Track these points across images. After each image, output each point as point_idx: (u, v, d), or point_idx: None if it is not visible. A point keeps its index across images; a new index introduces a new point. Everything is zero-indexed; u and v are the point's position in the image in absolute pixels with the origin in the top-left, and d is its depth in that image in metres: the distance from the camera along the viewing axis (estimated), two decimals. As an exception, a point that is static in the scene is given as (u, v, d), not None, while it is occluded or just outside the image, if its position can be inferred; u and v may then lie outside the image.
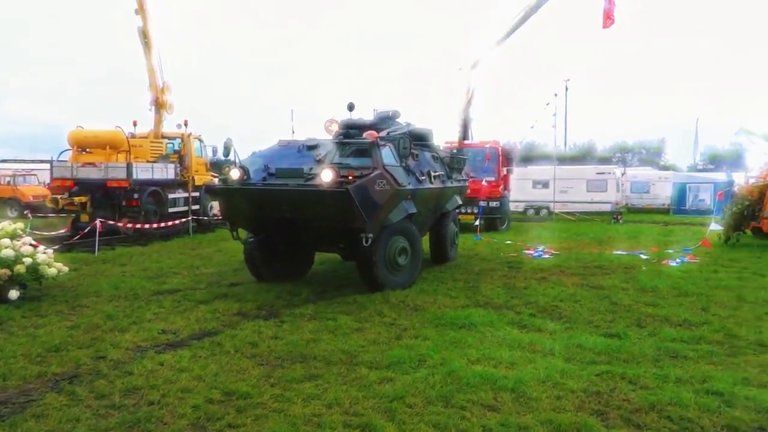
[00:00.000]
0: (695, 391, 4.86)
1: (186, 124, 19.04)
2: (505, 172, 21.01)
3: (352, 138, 9.78)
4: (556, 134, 25.42)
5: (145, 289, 9.11)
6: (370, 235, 8.33)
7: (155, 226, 16.33)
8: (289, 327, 6.89)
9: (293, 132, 24.07)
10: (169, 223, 16.79)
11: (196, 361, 5.62)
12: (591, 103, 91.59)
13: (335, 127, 10.83)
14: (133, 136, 18.37)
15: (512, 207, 29.59)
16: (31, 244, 8.66)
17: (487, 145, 20.50)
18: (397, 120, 11.72)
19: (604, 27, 19.86)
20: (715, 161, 60.76)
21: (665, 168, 69.86)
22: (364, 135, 9.97)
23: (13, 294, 7.96)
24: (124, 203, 16.25)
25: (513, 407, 4.54)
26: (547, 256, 13.35)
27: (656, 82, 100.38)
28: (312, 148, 9.28)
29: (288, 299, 8.49)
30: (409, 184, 9.42)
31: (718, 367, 5.47)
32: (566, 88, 41.22)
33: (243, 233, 9.99)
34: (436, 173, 10.92)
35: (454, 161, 12.28)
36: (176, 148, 18.94)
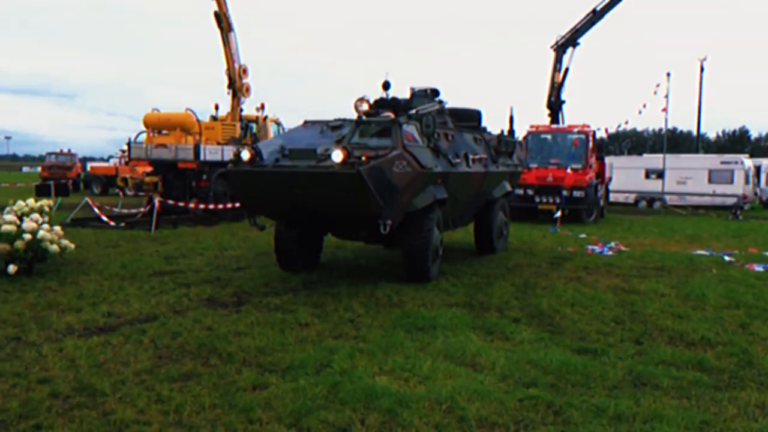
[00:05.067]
0: (624, 435, 3.77)
1: (262, 107, 19.22)
2: (596, 160, 19.14)
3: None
4: (667, 118, 22.79)
5: (148, 269, 9.06)
6: (389, 221, 7.52)
7: (222, 206, 16.59)
8: (236, 317, 6.43)
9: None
10: (237, 204, 17.00)
11: (97, 348, 5.31)
12: (742, 83, 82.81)
13: (366, 107, 9.64)
14: (215, 119, 18.87)
15: (622, 198, 27.45)
16: (38, 222, 8.85)
17: (575, 130, 18.81)
18: (435, 99, 10.51)
19: None
20: None
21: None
22: (383, 114, 9.17)
23: (11, 268, 8.17)
24: (193, 184, 16.68)
25: (366, 434, 3.74)
26: (611, 253, 11.87)
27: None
28: (336, 128, 8.47)
29: (274, 287, 8.04)
30: (437, 166, 8.51)
31: (685, 403, 4.25)
32: (701, 68, 37.64)
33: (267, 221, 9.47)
34: (477, 156, 10.01)
35: (502, 144, 11.24)
36: (253, 131, 19.19)
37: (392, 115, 8.94)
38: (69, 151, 36.22)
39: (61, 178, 30.74)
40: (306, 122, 9.12)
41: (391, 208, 7.57)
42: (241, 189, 8.48)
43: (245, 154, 7.91)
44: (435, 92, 10.58)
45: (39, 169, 41.04)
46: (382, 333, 5.88)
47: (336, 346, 5.39)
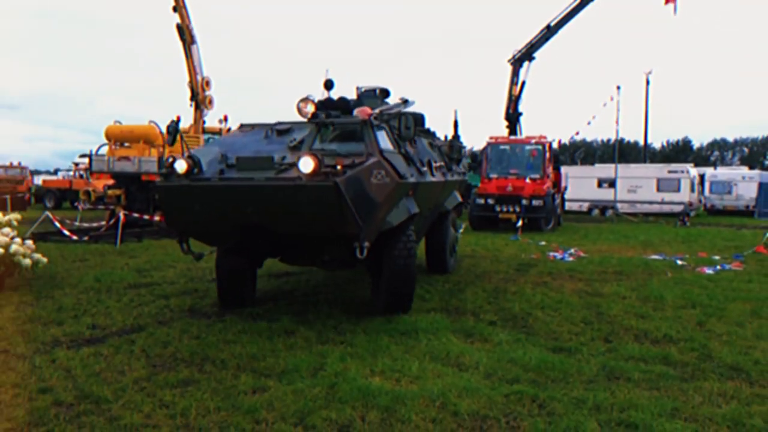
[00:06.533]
0: (605, 422, 4.11)
1: (225, 119, 19.25)
2: (552, 170, 19.85)
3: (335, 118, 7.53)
4: (618, 129, 23.76)
5: (122, 282, 9.08)
6: (366, 244, 6.31)
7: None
8: (221, 326, 6.56)
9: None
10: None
11: (90, 358, 5.39)
12: (685, 96, 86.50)
13: (311, 108, 7.97)
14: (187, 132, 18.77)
15: (576, 207, 28.37)
16: (12, 236, 8.78)
17: (533, 141, 19.48)
18: (386, 100, 9.41)
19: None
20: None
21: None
22: (356, 112, 8.09)
23: (-16, 283, 8.10)
24: (157, 196, 16.57)
25: (369, 430, 3.97)
26: (571, 259, 12.38)
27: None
28: (283, 132, 7.07)
29: (258, 296, 8.17)
30: (411, 176, 7.37)
31: (655, 394, 4.63)
32: (647, 81, 39.19)
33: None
34: (437, 163, 8.99)
35: (453, 150, 10.10)
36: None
37: (368, 112, 7.85)
38: (19, 164, 35.20)
39: (11, 192, 29.87)
40: (243, 126, 7.67)
41: (369, 226, 6.38)
42: (175, 207, 6.70)
43: (181, 165, 6.41)
44: (385, 92, 9.51)
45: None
46: (367, 338, 6.10)
47: (326, 351, 5.60)
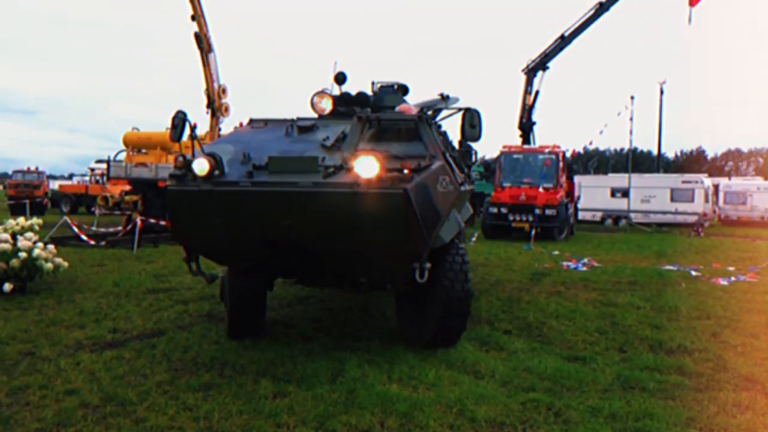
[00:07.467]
0: (620, 430, 4.17)
1: (241, 126, 19.41)
2: (565, 179, 19.89)
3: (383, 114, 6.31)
4: (632, 139, 23.74)
5: (141, 287, 9.22)
6: (428, 265, 5.40)
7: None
8: (240, 332, 6.67)
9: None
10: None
11: (113, 362, 5.51)
12: (699, 106, 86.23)
13: (328, 104, 6.88)
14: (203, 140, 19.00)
15: (589, 216, 28.32)
16: (34, 241, 8.95)
17: (546, 150, 19.52)
18: (405, 98, 8.12)
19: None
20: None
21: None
22: (398, 109, 7.17)
23: (7, 286, 8.24)
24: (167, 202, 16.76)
25: (388, 435, 4.06)
26: (585, 268, 12.41)
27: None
28: (306, 129, 5.94)
29: (268, 303, 8.27)
30: (462, 183, 6.44)
31: (670, 403, 4.67)
32: (661, 91, 39.12)
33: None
34: (464, 171, 7.68)
35: (466, 156, 8.23)
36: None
37: (410, 109, 7.09)
38: (36, 168, 35.67)
39: (28, 196, 30.27)
40: (253, 121, 6.53)
41: (428, 243, 5.36)
42: (190, 217, 5.44)
43: (201, 165, 5.11)
44: (404, 89, 8.27)
45: (0, 187, 40.31)
46: (384, 345, 6.18)
47: (344, 357, 5.68)
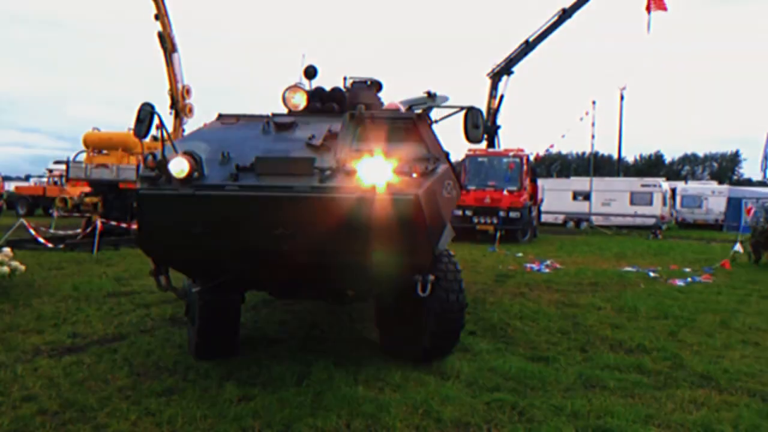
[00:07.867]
0: (582, 428, 4.25)
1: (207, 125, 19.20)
2: (529, 182, 20.19)
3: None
4: (593, 143, 24.21)
5: (101, 291, 9.03)
6: (431, 277, 5.02)
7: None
8: (204, 335, 6.58)
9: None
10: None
11: (73, 367, 5.39)
12: (657, 111, 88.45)
13: (301, 99, 6.29)
14: (155, 139, 18.68)
15: (551, 219, 28.78)
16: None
17: (511, 154, 19.78)
18: (379, 95, 7.51)
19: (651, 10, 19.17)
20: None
21: (738, 183, 66.19)
22: (386, 106, 6.79)
23: (-40, 291, 8.02)
24: (135, 205, 16.48)
25: (354, 437, 4.06)
26: (548, 270, 12.61)
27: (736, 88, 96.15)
28: (285, 127, 5.25)
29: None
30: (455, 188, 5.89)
31: (630, 401, 4.79)
32: (621, 96, 39.98)
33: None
34: None
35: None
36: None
37: (397, 106, 6.63)
38: (-8, 169, 34.59)
39: (-18, 198, 29.35)
40: (223, 116, 5.65)
41: (434, 252, 5.04)
42: (163, 225, 4.74)
43: (180, 166, 4.46)
44: (378, 85, 7.64)
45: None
46: (350, 347, 6.19)
47: (310, 360, 5.66)
